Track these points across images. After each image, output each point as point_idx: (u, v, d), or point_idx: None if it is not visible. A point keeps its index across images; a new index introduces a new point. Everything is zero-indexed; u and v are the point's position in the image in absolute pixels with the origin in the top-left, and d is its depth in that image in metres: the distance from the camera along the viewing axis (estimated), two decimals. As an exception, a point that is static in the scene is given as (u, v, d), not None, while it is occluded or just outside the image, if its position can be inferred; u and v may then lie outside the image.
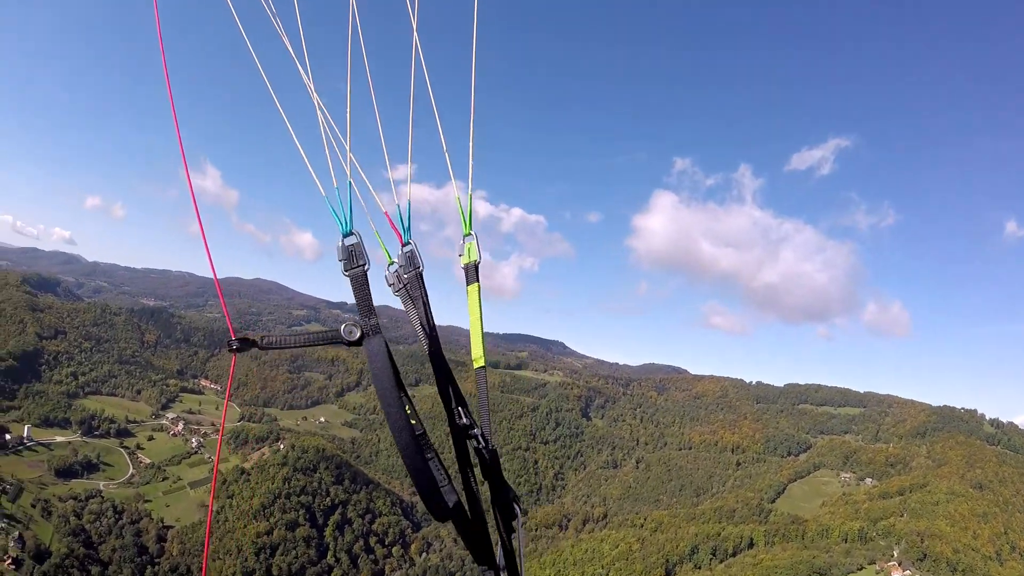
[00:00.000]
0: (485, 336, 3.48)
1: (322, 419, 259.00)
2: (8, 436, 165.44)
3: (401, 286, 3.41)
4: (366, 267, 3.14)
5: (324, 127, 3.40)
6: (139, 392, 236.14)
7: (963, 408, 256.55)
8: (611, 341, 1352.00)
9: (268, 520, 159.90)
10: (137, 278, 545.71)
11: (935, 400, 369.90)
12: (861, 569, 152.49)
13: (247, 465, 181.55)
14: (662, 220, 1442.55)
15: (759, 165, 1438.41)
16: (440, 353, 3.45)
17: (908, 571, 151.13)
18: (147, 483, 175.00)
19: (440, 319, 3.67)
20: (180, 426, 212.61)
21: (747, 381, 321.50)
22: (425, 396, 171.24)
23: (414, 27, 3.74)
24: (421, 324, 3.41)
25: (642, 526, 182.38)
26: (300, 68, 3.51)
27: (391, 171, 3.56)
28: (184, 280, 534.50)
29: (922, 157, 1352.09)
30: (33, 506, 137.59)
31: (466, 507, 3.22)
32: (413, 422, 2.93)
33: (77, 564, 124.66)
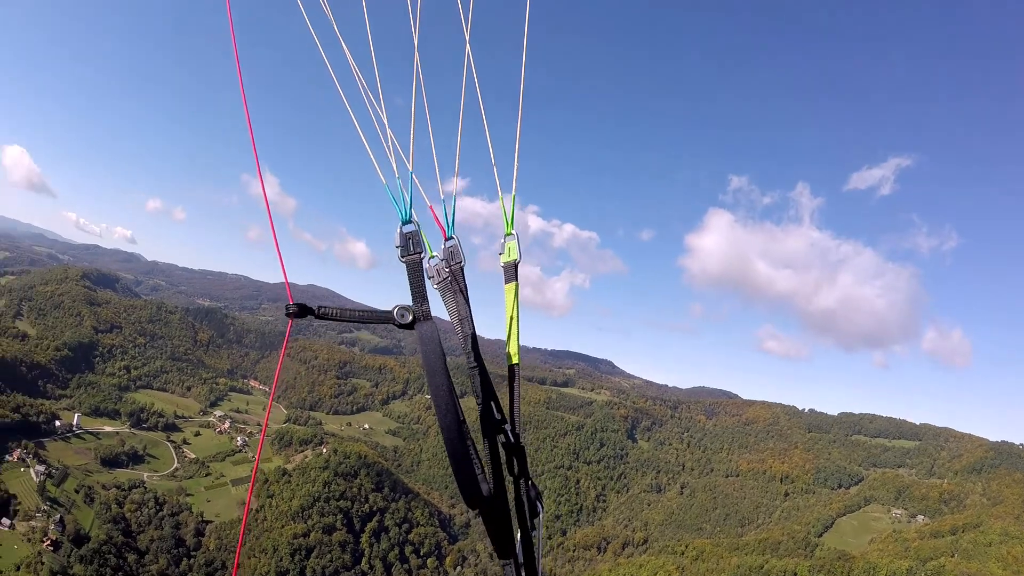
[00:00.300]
0: (520, 340, 3.58)
1: (366, 426, 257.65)
2: (58, 423, 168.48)
3: (442, 279, 3.47)
4: (423, 255, 3.29)
5: (386, 124, 3.55)
6: (189, 389, 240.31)
7: (1022, 444, 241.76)
8: (661, 362, 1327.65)
9: (306, 522, 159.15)
10: (194, 279, 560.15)
11: (994, 435, 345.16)
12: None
13: (289, 466, 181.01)
14: (717, 239, 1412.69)
15: (817, 184, 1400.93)
16: (477, 345, 3.48)
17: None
18: (190, 477, 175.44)
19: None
20: (227, 424, 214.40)
21: (800, 408, 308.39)
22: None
23: (467, 37, 4.00)
24: (459, 316, 3.47)
25: (683, 554, 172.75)
26: (356, 73, 3.66)
27: (438, 170, 3.65)
28: (239, 283, 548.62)
29: (986, 178, 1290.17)
30: (77, 491, 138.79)
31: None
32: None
33: (114, 551, 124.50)
